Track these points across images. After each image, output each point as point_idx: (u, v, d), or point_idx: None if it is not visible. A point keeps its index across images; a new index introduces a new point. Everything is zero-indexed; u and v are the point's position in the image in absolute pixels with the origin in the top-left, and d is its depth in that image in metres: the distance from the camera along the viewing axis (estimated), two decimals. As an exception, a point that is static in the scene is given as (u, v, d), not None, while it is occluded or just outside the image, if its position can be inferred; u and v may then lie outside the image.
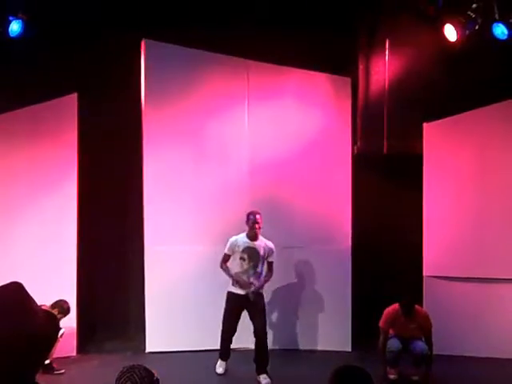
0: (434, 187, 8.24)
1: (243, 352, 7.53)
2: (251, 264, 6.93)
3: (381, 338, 7.05)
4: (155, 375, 2.99)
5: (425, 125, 8.27)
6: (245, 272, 6.97)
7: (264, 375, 6.95)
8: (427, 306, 7.72)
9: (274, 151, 8.37)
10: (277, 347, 8.13)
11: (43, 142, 7.94)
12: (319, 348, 8.28)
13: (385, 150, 8.82)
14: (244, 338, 7.23)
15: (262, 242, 7.06)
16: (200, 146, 8.29)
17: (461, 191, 8.19)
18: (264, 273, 7.11)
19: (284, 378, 7.10)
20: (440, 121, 8.23)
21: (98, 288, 8.43)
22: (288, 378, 7.21)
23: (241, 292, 6.92)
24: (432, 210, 8.22)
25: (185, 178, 8.24)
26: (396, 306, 6.99)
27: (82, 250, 7.96)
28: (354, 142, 8.62)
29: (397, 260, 8.54)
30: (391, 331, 7.09)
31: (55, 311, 6.89)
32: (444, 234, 8.19)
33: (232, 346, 7.25)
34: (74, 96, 7.95)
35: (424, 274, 8.20)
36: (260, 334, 6.94)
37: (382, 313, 7.08)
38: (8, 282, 1.95)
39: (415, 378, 7.11)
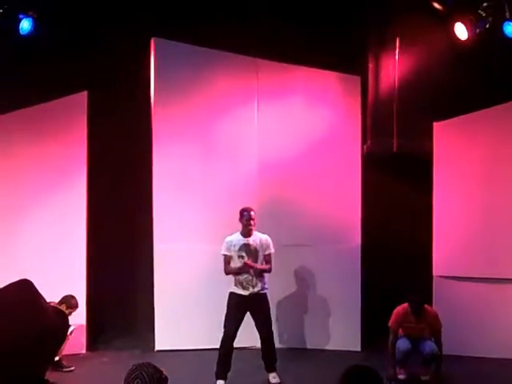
0: (443, 187, 8.21)
1: (250, 350, 7.52)
2: (250, 260, 6.87)
3: (390, 337, 7.03)
4: (164, 373, 3.00)
5: (435, 124, 8.24)
6: (247, 270, 6.86)
7: (273, 374, 6.91)
8: (437, 305, 7.68)
9: (283, 150, 8.36)
10: (286, 346, 8.12)
11: (53, 140, 7.96)
12: (328, 347, 8.26)
13: (394, 149, 8.80)
14: (251, 336, 7.21)
15: (257, 237, 6.93)
16: (209, 144, 8.29)
17: (470, 191, 8.16)
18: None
19: (293, 377, 7.10)
20: (450, 120, 8.20)
21: (108, 286, 8.45)
22: (297, 377, 7.20)
23: (243, 293, 6.81)
24: (442, 209, 8.18)
25: (194, 176, 8.24)
26: (405, 305, 6.97)
27: (91, 248, 7.98)
28: (363, 141, 8.60)
29: (406, 259, 8.51)
30: (400, 331, 7.06)
31: (63, 306, 6.91)
32: (453, 234, 8.15)
33: (239, 345, 7.21)
34: (84, 94, 7.98)
35: (433, 273, 8.18)
36: (265, 336, 6.85)
37: (391, 312, 7.06)
38: (18, 279, 1.95)
39: (425, 378, 7.09)
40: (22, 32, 7.67)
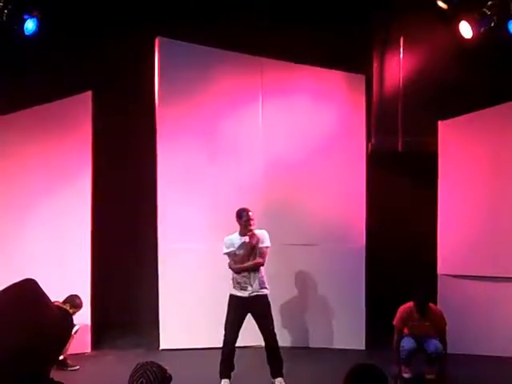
0: (448, 185, 8.20)
1: (255, 348, 7.52)
2: (250, 259, 6.82)
3: (395, 336, 7.03)
4: (168, 372, 3.01)
5: (439, 123, 8.23)
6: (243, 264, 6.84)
7: (279, 379, 6.81)
8: (441, 304, 7.68)
9: (288, 149, 8.36)
10: (290, 345, 8.13)
11: (58, 140, 7.98)
12: (333, 346, 8.27)
13: (399, 148, 8.80)
14: (256, 335, 7.21)
15: (254, 235, 6.87)
16: (214, 143, 8.30)
17: (475, 189, 8.14)
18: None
19: (297, 377, 7.09)
20: (455, 119, 8.19)
21: (112, 285, 8.47)
22: (301, 376, 7.19)
23: (242, 294, 6.76)
24: (446, 208, 8.17)
25: (198, 175, 8.25)
26: (410, 304, 6.96)
27: (96, 247, 7.99)
28: (368, 140, 8.59)
29: (411, 258, 8.51)
30: (405, 330, 7.06)
31: (67, 306, 6.93)
32: (458, 233, 8.14)
33: (244, 344, 7.21)
34: (89, 94, 7.99)
35: (438, 272, 8.17)
36: (268, 336, 6.79)
37: (395, 311, 7.05)
38: (22, 278, 1.96)
39: (429, 376, 7.08)
40: (26, 32, 7.68)
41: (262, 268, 6.85)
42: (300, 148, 8.37)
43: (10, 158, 7.90)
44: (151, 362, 3.04)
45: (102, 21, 8.24)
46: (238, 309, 6.77)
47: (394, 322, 7.03)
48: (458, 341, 7.52)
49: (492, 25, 7.66)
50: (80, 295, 7.47)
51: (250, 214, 6.81)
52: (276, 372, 6.84)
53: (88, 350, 7.98)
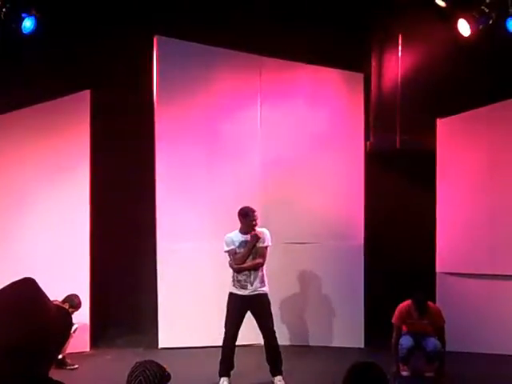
0: (446, 183, 8.20)
1: (255, 347, 7.52)
2: (251, 257, 6.80)
3: (393, 334, 7.03)
4: (167, 370, 3.01)
5: (438, 121, 8.23)
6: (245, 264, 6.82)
7: (279, 377, 6.81)
8: (440, 302, 7.69)
9: (286, 148, 8.36)
10: (289, 343, 8.13)
11: (56, 138, 7.97)
12: (332, 344, 8.27)
13: (398, 146, 8.80)
14: (255, 333, 7.21)
15: (256, 235, 6.86)
16: (212, 142, 8.29)
17: (474, 187, 8.15)
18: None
19: (297, 375, 7.09)
20: (453, 117, 8.19)
21: (111, 284, 8.46)
22: (301, 374, 7.20)
23: (242, 292, 6.75)
24: (445, 205, 8.18)
25: (197, 174, 8.25)
26: (409, 302, 6.97)
27: (94, 246, 7.99)
28: (366, 138, 8.59)
29: (409, 256, 8.51)
30: (404, 328, 7.07)
31: (66, 305, 6.92)
32: (457, 231, 8.15)
33: (244, 342, 7.21)
34: (87, 92, 7.98)
35: (437, 270, 8.17)
36: (268, 335, 6.78)
37: (394, 309, 7.06)
38: (21, 277, 1.95)
39: (428, 374, 7.09)
40: (24, 31, 7.67)
41: (264, 268, 6.84)
42: (298, 146, 8.37)
43: (9, 157, 7.89)
44: (150, 361, 3.04)
45: (100, 19, 8.23)
46: (237, 307, 6.76)
47: (393, 321, 7.03)
48: (457, 339, 7.53)
49: (490, 22, 7.66)
50: (79, 294, 7.46)
51: (255, 214, 6.80)
52: (275, 370, 6.84)
53: (87, 348, 7.97)
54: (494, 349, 7.83)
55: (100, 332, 8.22)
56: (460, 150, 8.21)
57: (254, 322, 6.87)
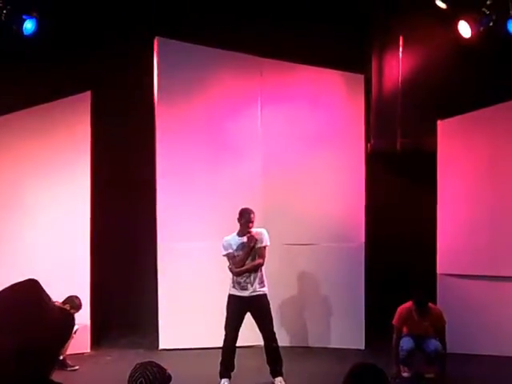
0: (447, 185, 8.20)
1: (255, 348, 7.51)
2: (249, 259, 6.79)
3: (394, 336, 7.03)
4: (167, 372, 3.01)
5: (439, 122, 8.23)
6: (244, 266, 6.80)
7: (279, 378, 6.80)
8: (441, 303, 7.68)
9: (287, 149, 8.36)
10: (290, 344, 8.12)
11: (57, 139, 7.97)
12: (332, 346, 8.26)
13: (398, 148, 8.80)
14: (256, 334, 7.21)
15: (253, 233, 6.83)
16: (213, 142, 8.29)
17: (475, 189, 8.14)
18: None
19: (297, 376, 7.09)
20: (454, 118, 8.18)
21: (112, 285, 8.47)
22: (301, 375, 7.19)
23: (241, 294, 6.75)
24: (446, 207, 8.17)
25: (198, 175, 8.25)
26: (409, 303, 6.97)
27: (95, 246, 7.99)
28: (367, 140, 8.59)
29: (410, 258, 8.51)
30: (405, 329, 7.06)
31: (66, 307, 6.91)
32: (458, 232, 8.14)
33: (244, 344, 7.20)
34: (88, 94, 7.98)
35: (438, 271, 8.17)
36: (268, 336, 6.78)
37: (395, 310, 7.06)
38: (22, 278, 1.96)
39: (429, 375, 7.09)
40: (25, 33, 7.69)
41: (263, 269, 6.84)
42: (299, 148, 8.36)
43: (10, 157, 7.89)
44: (151, 362, 3.04)
45: (101, 21, 8.24)
46: (237, 309, 6.76)
47: (394, 322, 7.03)
48: (458, 340, 7.52)
49: (491, 24, 7.66)
50: (79, 295, 7.46)
51: (251, 216, 6.78)
52: (276, 371, 6.83)
53: (87, 349, 7.97)
54: (494, 350, 7.82)
55: (100, 333, 8.22)
56: (461, 151, 8.21)
57: (254, 323, 6.86)
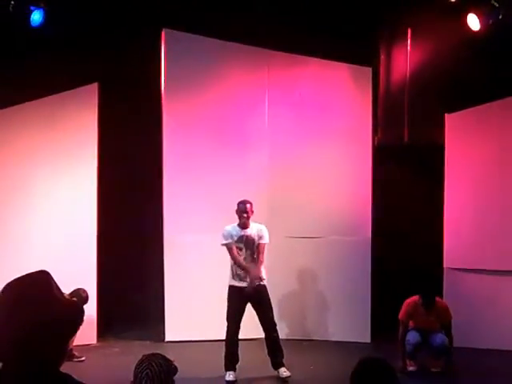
0: (455, 178, 8.17)
1: (259, 340, 7.51)
2: (248, 252, 6.80)
3: (400, 330, 7.02)
4: (173, 364, 3.01)
5: (446, 115, 8.19)
6: (244, 261, 6.81)
7: (283, 368, 6.80)
8: (447, 297, 7.67)
9: (293, 142, 8.34)
10: (295, 337, 8.12)
11: (64, 131, 7.97)
12: (338, 339, 8.26)
13: (405, 141, 8.77)
14: (259, 327, 7.21)
15: (254, 228, 6.85)
16: (219, 135, 8.29)
17: (482, 182, 8.11)
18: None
19: (302, 369, 7.09)
20: (462, 112, 8.15)
21: (118, 277, 8.48)
22: (307, 369, 7.20)
23: (242, 284, 6.75)
24: (453, 200, 8.15)
25: (204, 167, 8.24)
26: (416, 297, 6.96)
27: (102, 239, 8.00)
28: (374, 133, 8.57)
29: (417, 251, 8.49)
30: (411, 323, 7.05)
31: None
32: (465, 226, 8.12)
33: (248, 337, 7.19)
34: (95, 85, 7.97)
35: (444, 265, 8.15)
36: (268, 327, 6.77)
37: (401, 304, 7.05)
38: (29, 271, 1.96)
39: (435, 370, 7.08)
40: (33, 24, 7.68)
41: (260, 259, 6.83)
42: (306, 140, 8.34)
43: (16, 149, 7.90)
44: (157, 354, 3.04)
45: (108, 12, 8.22)
46: (237, 299, 6.77)
47: (400, 316, 7.02)
48: (464, 334, 7.51)
49: (500, 17, 7.61)
50: (86, 287, 7.48)
51: (247, 206, 6.80)
52: (277, 363, 6.83)
53: (94, 341, 8.00)
54: (501, 345, 7.80)
55: (107, 325, 8.24)
56: (468, 144, 8.17)
57: (255, 316, 6.86)
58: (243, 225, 6.83)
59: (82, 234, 7.91)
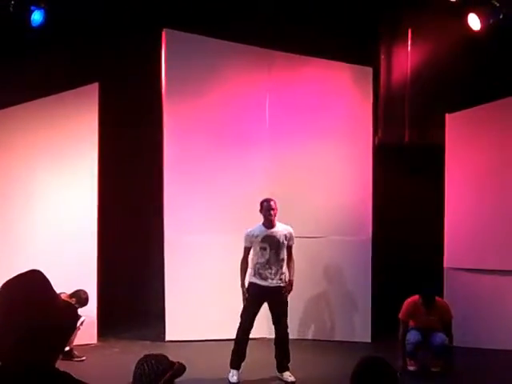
0: (455, 178, 8.17)
1: (266, 340, 7.52)
2: (273, 252, 6.71)
3: (400, 329, 7.03)
4: (177, 364, 2.98)
5: (447, 115, 8.19)
6: (267, 262, 6.71)
7: (288, 372, 6.77)
8: (448, 297, 7.67)
9: (294, 142, 8.34)
10: (296, 337, 8.12)
11: (64, 131, 7.96)
12: (339, 339, 8.26)
13: (406, 140, 8.77)
14: (268, 326, 7.21)
15: (280, 228, 6.78)
16: (220, 135, 8.29)
17: (482, 182, 8.11)
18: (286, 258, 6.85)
19: (303, 369, 7.09)
20: (462, 111, 8.14)
21: (119, 277, 8.49)
22: (307, 368, 7.19)
23: (262, 283, 6.69)
24: (453, 200, 8.15)
25: (205, 167, 8.24)
26: (416, 297, 6.96)
27: (102, 238, 8.00)
28: (375, 132, 8.57)
29: (417, 251, 8.49)
30: (411, 323, 7.05)
31: (73, 300, 6.92)
32: (465, 226, 8.12)
33: (256, 336, 7.16)
34: (96, 85, 7.97)
35: (445, 265, 8.15)
36: (281, 329, 6.74)
37: (401, 304, 7.05)
38: (28, 270, 1.96)
39: (435, 369, 7.08)
40: (33, 24, 7.68)
41: (285, 265, 6.78)
42: (306, 140, 8.34)
43: (17, 149, 7.89)
44: (155, 355, 3.03)
45: (109, 12, 8.23)
46: (255, 297, 6.70)
47: (400, 316, 7.02)
48: (464, 334, 7.51)
49: (501, 17, 7.61)
50: (86, 287, 7.48)
51: (271, 203, 6.69)
52: (283, 366, 6.80)
53: (94, 341, 8.00)
54: (502, 344, 7.80)
55: (107, 324, 8.24)
56: (469, 144, 8.17)
57: (266, 314, 6.84)
58: (270, 223, 6.71)
59: (82, 233, 7.91)
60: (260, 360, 7.14)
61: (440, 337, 6.96)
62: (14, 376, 1.84)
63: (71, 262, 7.72)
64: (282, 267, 6.77)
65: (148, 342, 8.01)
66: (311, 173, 8.34)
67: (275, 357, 6.85)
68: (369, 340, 8.17)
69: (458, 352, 7.18)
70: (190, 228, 8.16)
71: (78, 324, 6.52)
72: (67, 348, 6.94)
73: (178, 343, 7.85)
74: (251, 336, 6.86)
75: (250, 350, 6.84)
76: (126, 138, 8.50)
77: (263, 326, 7.17)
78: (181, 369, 2.98)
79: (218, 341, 7.66)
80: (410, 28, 8.64)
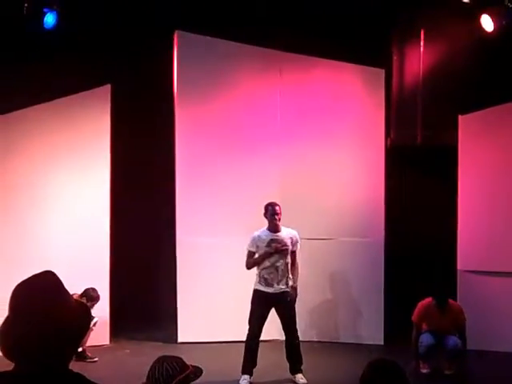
0: (468, 180, 8.13)
1: (277, 342, 7.51)
2: (278, 256, 6.68)
3: (413, 332, 6.99)
4: (190, 367, 2.98)
5: (460, 117, 8.15)
6: (273, 265, 6.67)
7: (300, 375, 6.75)
8: (461, 300, 7.62)
9: (306, 144, 8.33)
10: (308, 339, 8.10)
11: (77, 132, 7.99)
12: (351, 341, 8.23)
13: (418, 142, 8.73)
14: (279, 328, 7.19)
15: (286, 232, 6.75)
16: (232, 138, 8.29)
17: (496, 184, 8.06)
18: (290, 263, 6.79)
19: (315, 371, 7.07)
20: (475, 113, 8.10)
21: (131, 278, 8.50)
22: (319, 370, 7.17)
23: (267, 290, 6.65)
24: (466, 202, 8.10)
25: (216, 169, 8.25)
26: (429, 299, 6.92)
27: (115, 240, 8.02)
28: (387, 134, 8.54)
29: (430, 253, 8.45)
30: (424, 326, 7.02)
31: (83, 299, 6.95)
32: (478, 227, 8.07)
33: (268, 338, 7.15)
34: (108, 87, 8.00)
35: (458, 267, 8.10)
36: (290, 332, 6.72)
37: (414, 306, 7.01)
38: (42, 270, 1.97)
39: (448, 372, 7.03)
40: (46, 26, 7.72)
41: (289, 267, 6.74)
42: (318, 142, 8.33)
43: (30, 151, 7.94)
44: (169, 357, 3.03)
45: (121, 14, 8.25)
46: (262, 304, 6.67)
47: (413, 318, 6.99)
48: (478, 337, 7.46)
49: (514, 18, 7.58)
50: (98, 288, 7.50)
51: (276, 208, 6.65)
52: (296, 369, 6.78)
53: (107, 342, 8.02)
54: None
55: (120, 326, 8.26)
56: (482, 146, 8.12)
57: (273, 317, 6.84)
58: (274, 228, 6.68)
59: (95, 235, 7.94)
60: (272, 362, 7.13)
61: (453, 340, 6.92)
62: (29, 378, 1.85)
63: (84, 263, 7.75)
64: (287, 271, 6.72)
65: (160, 344, 8.02)
66: (323, 175, 8.32)
67: (286, 359, 6.84)
68: (381, 342, 8.14)
69: (472, 355, 7.14)
70: (203, 230, 8.17)
71: (91, 325, 6.54)
72: (80, 349, 6.97)
73: (190, 345, 7.86)
74: (263, 338, 6.85)
75: (262, 351, 6.82)
76: (139, 140, 8.52)
77: (275, 328, 7.15)
78: (197, 372, 2.99)
79: (230, 342, 7.65)
80: (422, 29, 8.60)
